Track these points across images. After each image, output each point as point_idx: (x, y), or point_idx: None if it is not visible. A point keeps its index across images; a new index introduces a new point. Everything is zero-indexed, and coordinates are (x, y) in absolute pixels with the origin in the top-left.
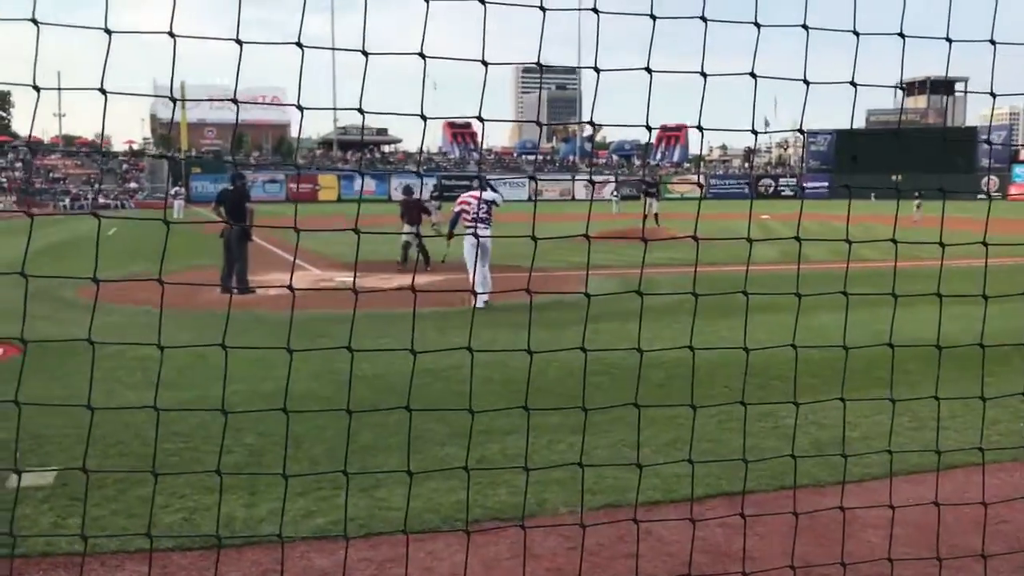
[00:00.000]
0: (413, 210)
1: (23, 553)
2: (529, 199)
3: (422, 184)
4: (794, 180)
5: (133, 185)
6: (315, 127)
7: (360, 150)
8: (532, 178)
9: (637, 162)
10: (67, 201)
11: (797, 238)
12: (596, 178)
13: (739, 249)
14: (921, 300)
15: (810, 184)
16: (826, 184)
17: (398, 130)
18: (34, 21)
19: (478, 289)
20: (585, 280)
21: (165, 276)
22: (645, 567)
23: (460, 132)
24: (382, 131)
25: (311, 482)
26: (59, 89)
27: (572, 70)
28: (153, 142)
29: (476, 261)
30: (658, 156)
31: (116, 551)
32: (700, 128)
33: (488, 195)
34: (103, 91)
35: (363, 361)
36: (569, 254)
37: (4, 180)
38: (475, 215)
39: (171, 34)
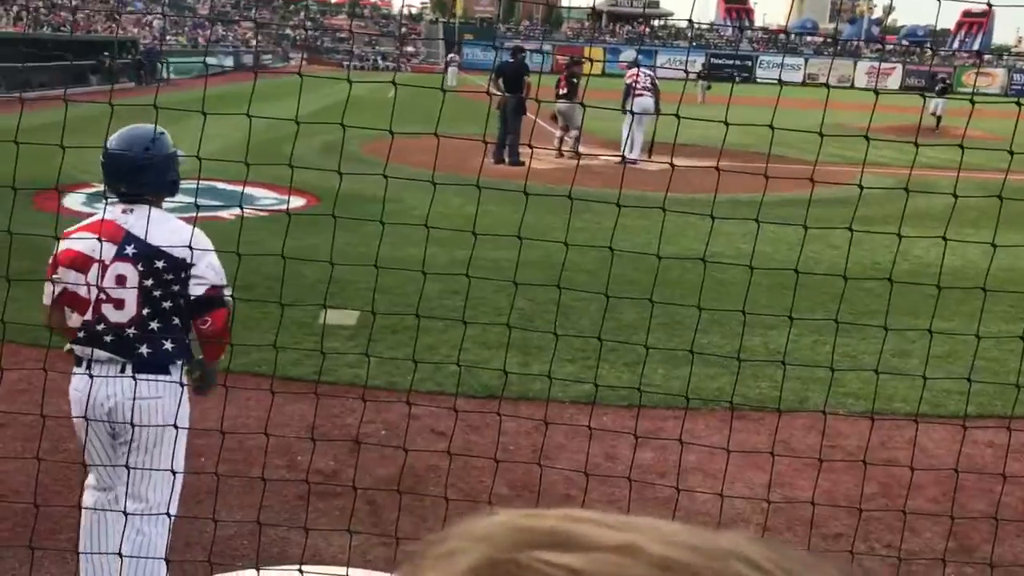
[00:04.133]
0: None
1: (332, 381)
2: (803, 83)
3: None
4: None
5: (410, 49)
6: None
7: (631, 22)
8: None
9: (929, 51)
10: (351, 60)
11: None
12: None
13: None
14: None
15: None
16: None
17: (670, 3)
18: None
19: (636, 144)
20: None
21: (435, 141)
22: (905, 474)
23: (735, 8)
24: (653, 3)
25: (577, 350)
26: None
27: None
28: (430, 7)
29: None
30: (955, 44)
31: (409, 389)
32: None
33: (646, 71)
34: None
35: (623, 241)
36: (843, 147)
37: (297, 37)
38: (643, 85)
39: None
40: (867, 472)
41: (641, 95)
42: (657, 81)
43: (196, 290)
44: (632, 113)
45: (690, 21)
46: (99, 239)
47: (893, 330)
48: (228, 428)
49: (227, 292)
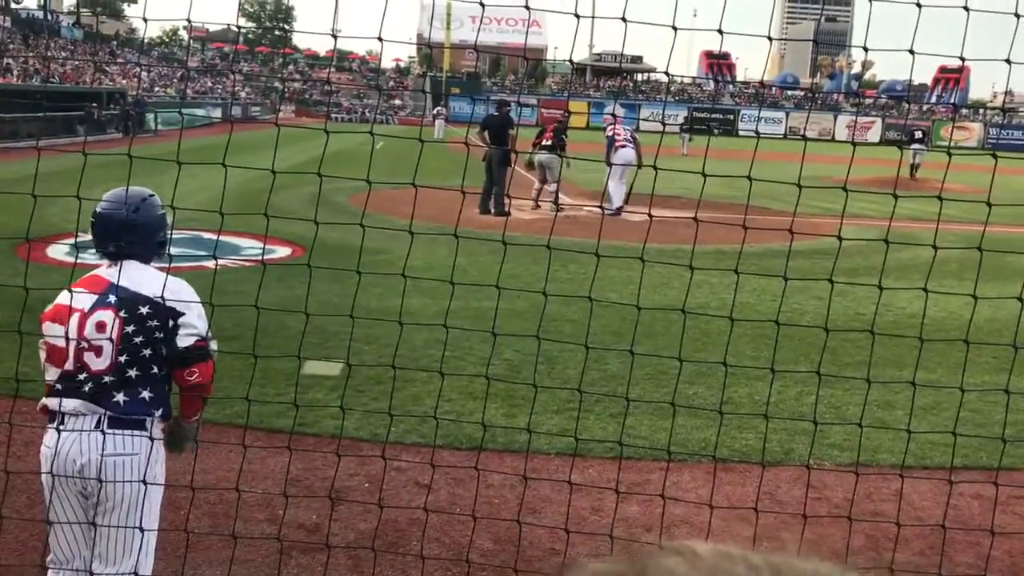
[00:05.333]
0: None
1: (316, 433)
2: (785, 136)
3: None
4: None
5: (397, 102)
6: (569, 53)
7: (614, 76)
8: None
9: (908, 105)
10: (340, 113)
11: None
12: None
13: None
14: None
15: None
16: None
17: (653, 58)
18: None
19: (619, 194)
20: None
21: (423, 192)
22: (891, 528)
23: (717, 62)
24: (637, 59)
25: (564, 401)
26: None
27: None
28: (418, 61)
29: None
30: (932, 99)
31: (394, 442)
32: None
33: (625, 124)
34: None
35: (610, 291)
36: (830, 200)
37: (285, 90)
38: (624, 138)
39: None
40: (853, 525)
41: (623, 146)
42: (637, 135)
43: (185, 340)
44: (611, 165)
45: (668, 74)
46: (81, 291)
47: (877, 382)
48: (211, 481)
49: (213, 345)
